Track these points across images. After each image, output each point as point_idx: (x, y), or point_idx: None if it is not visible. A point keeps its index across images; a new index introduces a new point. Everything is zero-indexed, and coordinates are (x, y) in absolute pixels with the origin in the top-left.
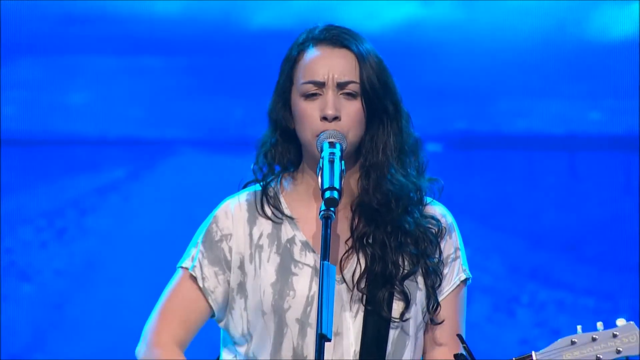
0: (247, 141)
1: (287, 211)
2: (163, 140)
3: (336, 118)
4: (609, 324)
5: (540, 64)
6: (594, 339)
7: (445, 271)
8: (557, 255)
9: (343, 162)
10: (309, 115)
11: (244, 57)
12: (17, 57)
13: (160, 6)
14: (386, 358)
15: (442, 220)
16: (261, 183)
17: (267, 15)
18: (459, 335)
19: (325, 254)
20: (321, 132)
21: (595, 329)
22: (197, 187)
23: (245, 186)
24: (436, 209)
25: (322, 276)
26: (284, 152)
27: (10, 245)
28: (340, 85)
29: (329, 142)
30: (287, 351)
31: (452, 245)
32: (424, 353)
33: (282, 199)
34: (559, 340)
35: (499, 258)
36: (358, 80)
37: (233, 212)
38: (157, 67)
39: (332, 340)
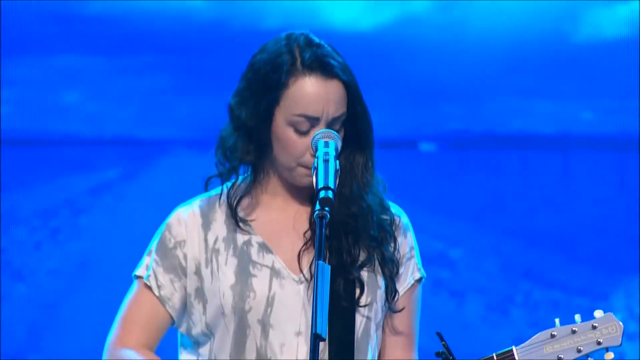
0: None
1: (241, 213)
2: (157, 140)
3: None
4: (587, 317)
5: (534, 64)
6: (573, 331)
7: (401, 270)
8: (551, 254)
9: (337, 161)
10: (299, 149)
11: (238, 56)
12: (11, 57)
13: (155, 6)
14: (354, 351)
15: (397, 218)
16: (222, 187)
17: (262, 14)
18: (438, 333)
19: (320, 254)
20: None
21: (573, 321)
22: (191, 187)
23: (207, 181)
24: (390, 206)
25: (317, 276)
26: (243, 153)
27: (5, 245)
28: (334, 119)
29: (324, 142)
30: (250, 352)
31: (407, 244)
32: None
33: (237, 202)
34: (538, 334)
35: (493, 258)
36: (346, 109)
37: (186, 218)
38: (151, 67)
39: (296, 340)
